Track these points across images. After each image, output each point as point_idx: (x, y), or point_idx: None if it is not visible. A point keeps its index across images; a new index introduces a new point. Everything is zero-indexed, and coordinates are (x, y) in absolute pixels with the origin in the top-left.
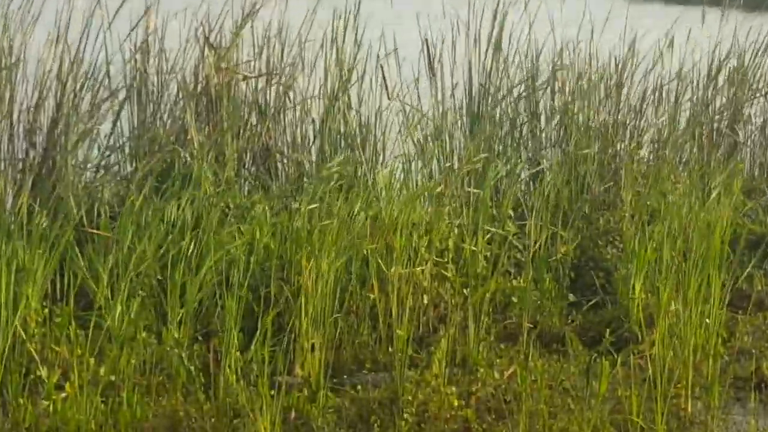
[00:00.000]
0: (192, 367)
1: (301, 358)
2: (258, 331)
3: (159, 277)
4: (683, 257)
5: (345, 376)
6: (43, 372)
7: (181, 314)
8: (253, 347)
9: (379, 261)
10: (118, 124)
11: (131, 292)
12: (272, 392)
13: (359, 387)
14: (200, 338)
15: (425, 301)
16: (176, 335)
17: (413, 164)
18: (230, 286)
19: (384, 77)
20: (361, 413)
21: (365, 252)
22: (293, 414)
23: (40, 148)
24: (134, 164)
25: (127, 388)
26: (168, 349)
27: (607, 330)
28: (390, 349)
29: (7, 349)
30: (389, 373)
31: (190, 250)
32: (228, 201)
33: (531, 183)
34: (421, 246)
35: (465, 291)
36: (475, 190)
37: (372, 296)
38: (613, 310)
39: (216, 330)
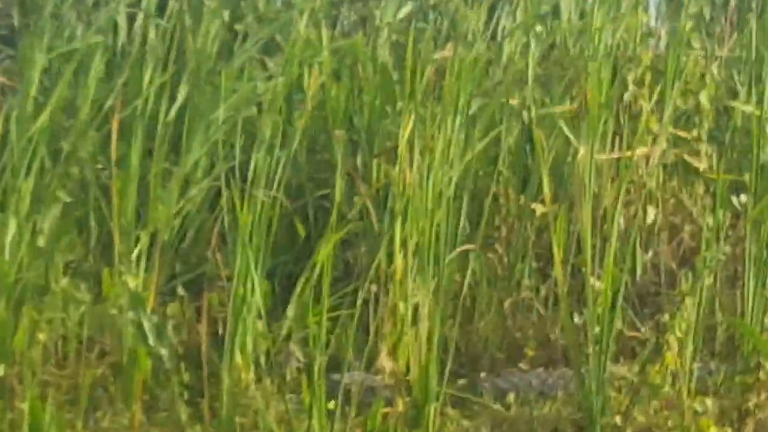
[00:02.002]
0: (163, 350)
1: (391, 338)
2: (300, 280)
3: (99, 165)
4: None
5: (482, 374)
6: None
7: (139, 244)
8: (289, 310)
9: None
10: None
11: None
12: (331, 405)
13: (511, 396)
14: (181, 292)
15: (651, 216)
16: (132, 283)
17: None
18: (246, 184)
19: None
20: None
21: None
22: None
23: None
24: None
25: (30, 394)
26: (114, 312)
27: None
28: (580, 318)
29: None
30: (576, 368)
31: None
32: None
33: None
34: (645, 102)
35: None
36: None
37: (540, 208)
38: None
39: (213, 276)
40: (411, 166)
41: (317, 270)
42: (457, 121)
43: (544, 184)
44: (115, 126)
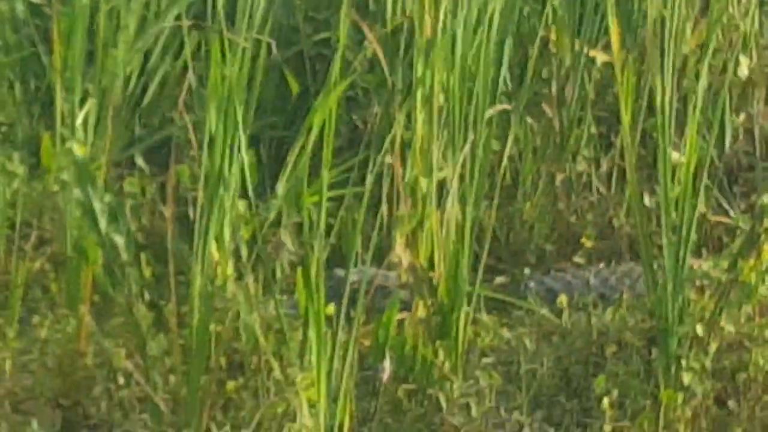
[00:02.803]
0: (117, 238)
1: (410, 223)
2: (292, 148)
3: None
4: None
5: (526, 270)
6: None
7: (87, 102)
8: (279, 188)
9: None
10: None
11: None
12: (331, 309)
13: (563, 298)
14: (141, 163)
15: (744, 68)
16: (78, 152)
17: None
18: (222, 24)
19: None
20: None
21: None
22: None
23: None
24: None
25: None
26: (55, 189)
27: None
28: (652, 200)
29: None
30: (646, 264)
31: None
32: None
33: None
34: None
35: None
36: None
37: (602, 56)
38: None
39: (181, 143)
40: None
41: (314, 135)
42: None
43: (610, 23)
44: None
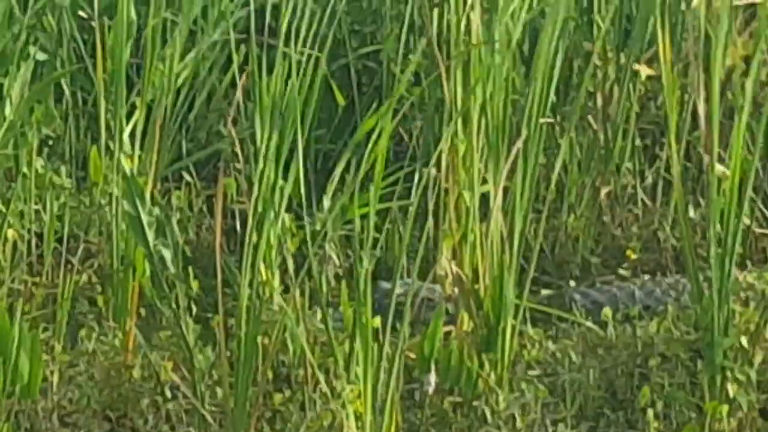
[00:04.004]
0: (165, 252)
1: (455, 236)
2: (339, 162)
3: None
4: None
5: (571, 283)
6: None
7: (134, 115)
8: (325, 201)
9: None
10: None
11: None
12: (378, 321)
13: (609, 311)
14: (188, 177)
15: None
16: (126, 166)
17: None
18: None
19: None
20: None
21: None
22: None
23: None
24: None
25: None
26: (102, 203)
27: None
28: (697, 212)
29: None
30: (692, 276)
31: None
32: None
33: None
34: None
35: None
36: None
37: (647, 69)
38: None
39: (229, 157)
40: (480, 10)
41: (361, 150)
42: None
43: (659, 36)
44: None
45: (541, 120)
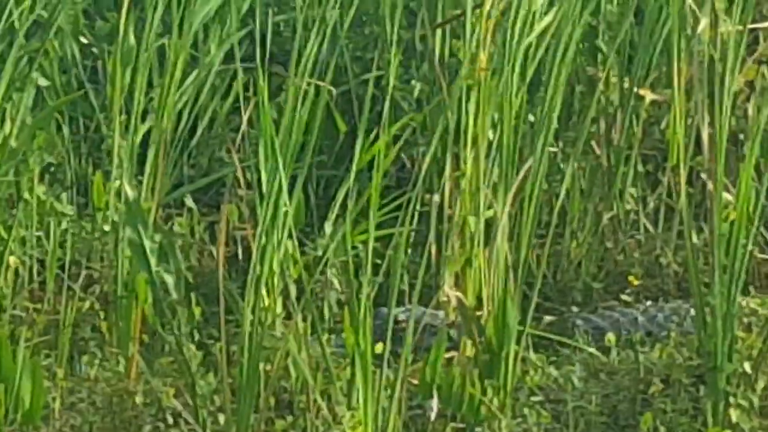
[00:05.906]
0: (167, 278)
1: (458, 262)
2: (340, 189)
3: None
4: None
5: (574, 309)
6: None
7: (136, 141)
8: (327, 227)
9: None
10: None
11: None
12: (379, 347)
13: (611, 336)
14: (191, 203)
15: None
16: (128, 192)
17: None
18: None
19: None
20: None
21: None
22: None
23: None
24: None
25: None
26: (105, 229)
27: None
28: (700, 238)
29: None
30: (695, 302)
31: None
32: None
33: None
34: None
35: None
36: None
37: (650, 94)
38: None
39: (231, 183)
40: (482, 38)
41: (363, 175)
42: None
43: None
44: None
45: (549, 148)
